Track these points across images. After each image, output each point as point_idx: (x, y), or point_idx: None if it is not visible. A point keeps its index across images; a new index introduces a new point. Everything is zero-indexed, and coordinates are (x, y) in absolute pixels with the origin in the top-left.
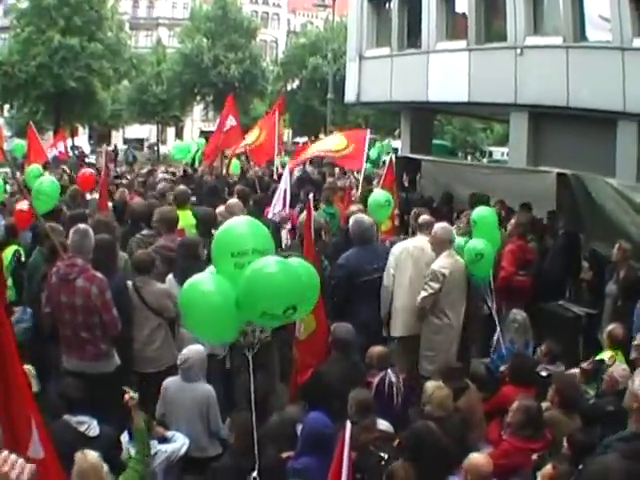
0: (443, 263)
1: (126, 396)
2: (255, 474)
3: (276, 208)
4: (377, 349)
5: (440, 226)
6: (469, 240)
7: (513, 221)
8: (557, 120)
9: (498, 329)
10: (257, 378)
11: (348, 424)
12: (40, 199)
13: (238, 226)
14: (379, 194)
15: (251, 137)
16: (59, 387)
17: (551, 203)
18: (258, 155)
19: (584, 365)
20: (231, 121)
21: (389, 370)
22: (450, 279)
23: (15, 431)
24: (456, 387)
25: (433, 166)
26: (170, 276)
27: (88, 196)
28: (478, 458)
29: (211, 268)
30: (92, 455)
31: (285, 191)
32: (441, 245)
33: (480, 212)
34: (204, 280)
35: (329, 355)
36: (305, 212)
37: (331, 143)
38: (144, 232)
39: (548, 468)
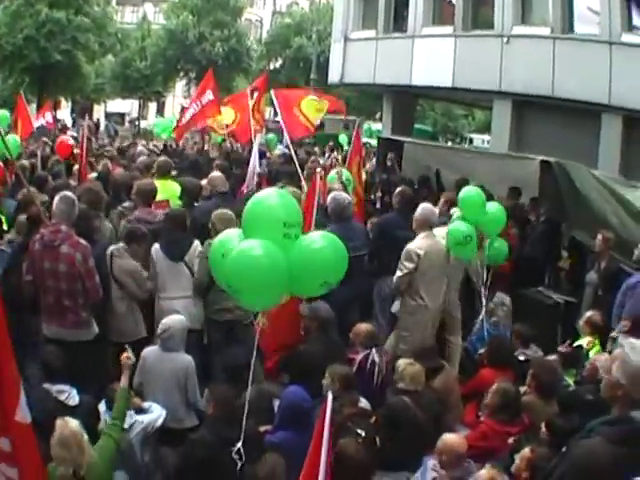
0: (419, 244)
1: (124, 355)
2: (240, 444)
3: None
4: (364, 326)
5: (421, 206)
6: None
7: None
8: (541, 109)
9: (483, 311)
10: (236, 352)
11: (330, 396)
12: None
13: (283, 197)
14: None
15: (227, 118)
16: (40, 355)
17: (534, 190)
18: (239, 135)
19: (561, 348)
20: (209, 95)
21: (373, 349)
22: (425, 259)
23: (3, 394)
24: (430, 367)
25: (415, 148)
26: (156, 246)
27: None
28: (453, 438)
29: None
30: (73, 423)
31: (254, 168)
32: (421, 226)
33: (467, 192)
34: (257, 246)
35: (301, 334)
36: (307, 190)
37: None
38: (125, 204)
39: (526, 451)
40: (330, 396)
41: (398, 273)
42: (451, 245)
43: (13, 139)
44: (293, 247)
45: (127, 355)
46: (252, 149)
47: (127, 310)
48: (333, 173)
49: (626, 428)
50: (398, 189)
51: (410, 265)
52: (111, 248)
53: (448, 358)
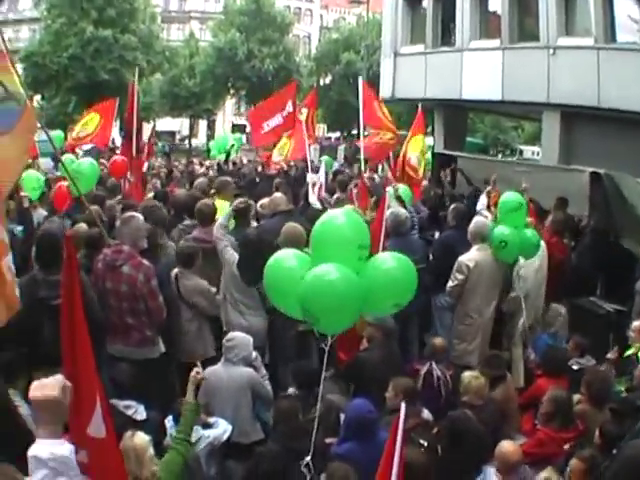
0: (471, 256)
1: (194, 370)
2: (309, 458)
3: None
4: (439, 340)
5: (475, 220)
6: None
7: (550, 218)
8: (589, 120)
9: (523, 316)
10: (302, 366)
11: (403, 408)
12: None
13: (352, 218)
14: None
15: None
16: (111, 372)
17: (584, 202)
18: (295, 152)
19: (610, 355)
20: (289, 107)
21: (433, 363)
22: (476, 271)
23: (78, 404)
24: (494, 375)
25: (468, 163)
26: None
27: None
28: (507, 446)
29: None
30: (137, 436)
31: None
32: (474, 238)
33: (505, 197)
34: (334, 270)
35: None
36: (377, 209)
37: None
38: (186, 222)
39: (577, 463)
40: (403, 408)
41: (450, 284)
42: (494, 250)
43: (69, 159)
44: (366, 269)
45: (197, 370)
46: (307, 166)
47: (197, 331)
48: (389, 188)
49: None
50: (452, 206)
51: (460, 277)
52: (175, 270)
53: (511, 368)
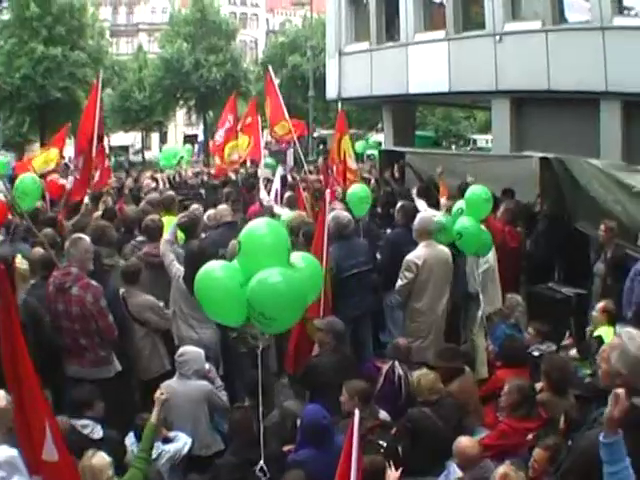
0: (419, 253)
1: (158, 391)
2: (262, 462)
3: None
4: (402, 340)
5: (419, 216)
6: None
7: (501, 208)
8: (539, 104)
9: (482, 307)
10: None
11: (357, 413)
12: (21, 197)
13: (276, 226)
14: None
15: (242, 144)
16: (70, 393)
17: (535, 188)
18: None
19: (565, 342)
20: (229, 121)
21: (396, 362)
22: (425, 268)
23: (29, 433)
24: (450, 368)
25: (416, 158)
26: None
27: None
28: (464, 441)
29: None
30: (98, 457)
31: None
32: (420, 235)
33: (472, 190)
34: (275, 272)
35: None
36: (319, 213)
37: None
38: (139, 238)
39: (539, 452)
40: (357, 413)
41: (399, 282)
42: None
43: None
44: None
45: (161, 392)
46: (256, 172)
47: (152, 347)
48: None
49: (629, 416)
50: (399, 204)
51: (409, 275)
52: (121, 291)
53: (475, 359)
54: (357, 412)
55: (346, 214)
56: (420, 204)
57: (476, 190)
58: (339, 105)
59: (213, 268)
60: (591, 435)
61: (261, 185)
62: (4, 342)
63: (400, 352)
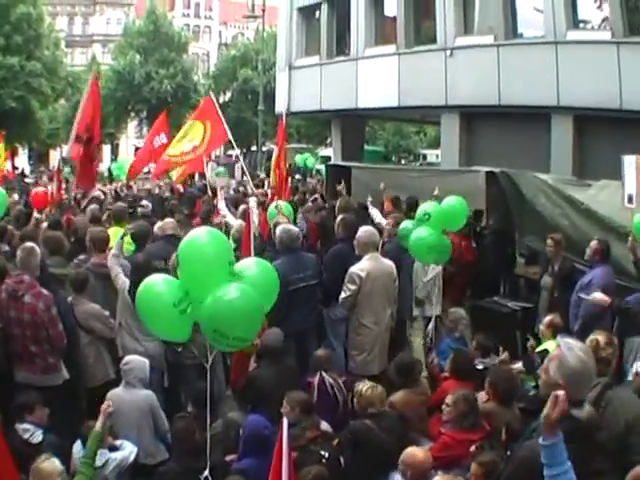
0: (362, 265)
1: (105, 403)
2: (207, 473)
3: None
4: (321, 351)
5: (361, 229)
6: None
7: None
8: (489, 119)
9: (432, 323)
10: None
11: (285, 422)
12: None
13: (218, 236)
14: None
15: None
16: (17, 398)
17: (482, 203)
18: (193, 166)
19: (502, 356)
20: (162, 139)
21: (323, 372)
22: (369, 281)
23: None
24: (408, 381)
25: (363, 173)
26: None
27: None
28: (417, 452)
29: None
30: (49, 462)
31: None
32: (363, 248)
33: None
34: (233, 289)
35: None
36: (244, 222)
37: None
38: (81, 257)
39: (475, 467)
40: (285, 422)
41: (342, 295)
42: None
43: None
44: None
45: (108, 403)
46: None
47: (96, 355)
48: (272, 207)
49: (567, 425)
50: (339, 217)
51: (353, 287)
52: (69, 298)
53: None
54: (285, 421)
55: (293, 227)
56: (374, 213)
57: (456, 203)
58: (284, 117)
59: (154, 282)
60: (529, 445)
61: (219, 194)
62: None
63: (322, 362)
